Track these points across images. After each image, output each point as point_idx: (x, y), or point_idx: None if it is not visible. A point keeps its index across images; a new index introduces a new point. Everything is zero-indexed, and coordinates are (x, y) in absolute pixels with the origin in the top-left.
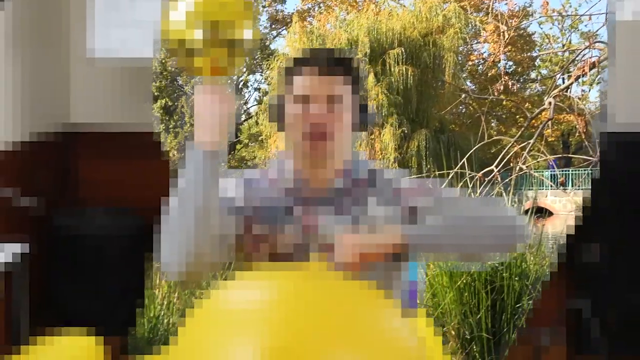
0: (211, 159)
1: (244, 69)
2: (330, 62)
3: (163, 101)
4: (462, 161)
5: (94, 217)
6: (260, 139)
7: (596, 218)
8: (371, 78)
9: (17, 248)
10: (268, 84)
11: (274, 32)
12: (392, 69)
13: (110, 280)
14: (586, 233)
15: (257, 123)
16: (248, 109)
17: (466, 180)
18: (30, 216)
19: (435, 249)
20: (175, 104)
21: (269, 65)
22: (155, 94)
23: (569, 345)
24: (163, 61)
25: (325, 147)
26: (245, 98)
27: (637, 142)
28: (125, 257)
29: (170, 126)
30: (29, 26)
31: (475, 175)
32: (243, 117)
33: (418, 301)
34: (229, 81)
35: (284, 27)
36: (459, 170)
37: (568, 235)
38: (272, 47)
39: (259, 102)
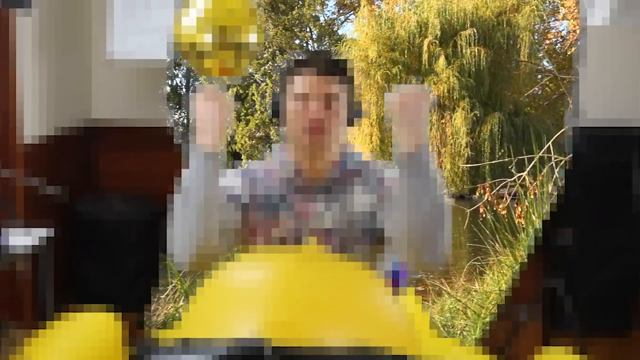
0: (212, 159)
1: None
2: (327, 63)
3: (234, 90)
4: (548, 144)
5: (113, 204)
6: None
7: (569, 205)
8: (442, 61)
9: (42, 232)
10: None
11: (342, 18)
12: (464, 51)
13: (128, 261)
14: (560, 219)
15: None
16: None
17: (552, 165)
18: (55, 203)
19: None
20: (246, 92)
21: (337, 51)
22: (227, 83)
23: (545, 321)
24: None
25: (323, 140)
26: None
27: (606, 136)
28: (141, 239)
29: (242, 114)
30: (54, 31)
31: (562, 159)
32: None
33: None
34: (229, 86)
35: (352, 12)
36: (545, 155)
37: (544, 221)
38: (340, 32)
39: None
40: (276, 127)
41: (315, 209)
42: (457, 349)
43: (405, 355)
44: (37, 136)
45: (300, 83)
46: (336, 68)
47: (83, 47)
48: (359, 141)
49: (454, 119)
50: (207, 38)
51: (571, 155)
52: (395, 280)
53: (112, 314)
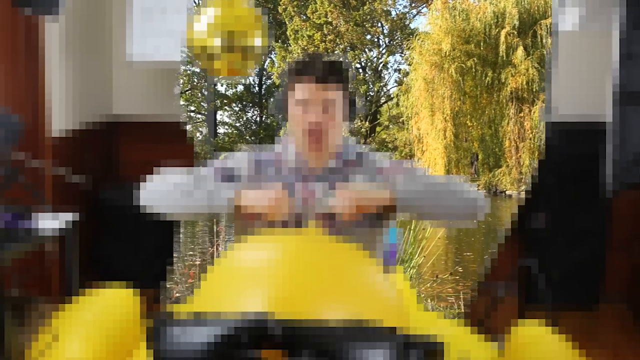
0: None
1: (383, 50)
2: (325, 70)
3: None
4: None
5: (133, 191)
6: (400, 120)
7: (542, 192)
8: (520, 52)
9: (69, 217)
10: (409, 64)
11: (414, 11)
12: (544, 41)
13: (145, 243)
14: (533, 204)
15: (397, 105)
16: (388, 90)
17: None
18: (80, 190)
19: (414, 209)
20: None
21: (409, 45)
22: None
23: (520, 296)
24: (305, 47)
25: (321, 142)
26: (385, 80)
27: (575, 130)
28: (157, 224)
29: None
30: (79, 35)
31: None
32: (383, 100)
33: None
34: None
35: (425, 5)
36: None
37: (519, 206)
38: (412, 26)
39: (399, 83)
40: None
41: (317, 195)
42: (441, 322)
43: (395, 327)
44: (63, 130)
45: (300, 90)
46: (333, 73)
47: (105, 49)
48: (432, 136)
49: (533, 113)
50: (217, 42)
51: (544, 146)
52: (387, 259)
53: (131, 290)
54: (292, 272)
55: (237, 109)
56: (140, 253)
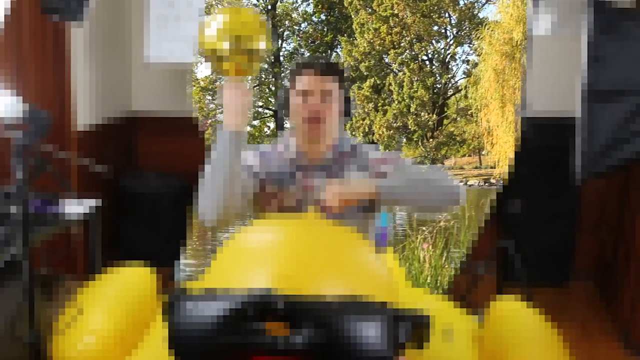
0: (236, 137)
1: (451, 41)
2: (324, 66)
3: (372, 80)
4: None
5: (149, 179)
6: (469, 112)
7: (517, 180)
8: None
9: (92, 202)
10: (478, 55)
11: (483, 0)
12: None
13: (162, 226)
14: (510, 191)
15: (465, 97)
16: (456, 82)
17: None
18: (102, 179)
19: (397, 201)
20: (383, 82)
21: (478, 35)
22: (365, 73)
23: (498, 274)
24: (371, 41)
25: (319, 128)
26: (453, 71)
27: (547, 125)
28: (172, 208)
29: (379, 104)
30: (101, 39)
31: None
32: (450, 92)
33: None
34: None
35: None
36: None
37: (497, 193)
38: (481, 15)
39: (468, 74)
40: (414, 116)
41: (317, 184)
42: (427, 297)
43: (386, 302)
44: (87, 124)
45: (301, 82)
46: (331, 69)
47: (124, 52)
48: (502, 129)
49: None
50: (225, 45)
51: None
52: (378, 241)
53: (149, 268)
54: (293, 252)
55: None
56: (156, 235)
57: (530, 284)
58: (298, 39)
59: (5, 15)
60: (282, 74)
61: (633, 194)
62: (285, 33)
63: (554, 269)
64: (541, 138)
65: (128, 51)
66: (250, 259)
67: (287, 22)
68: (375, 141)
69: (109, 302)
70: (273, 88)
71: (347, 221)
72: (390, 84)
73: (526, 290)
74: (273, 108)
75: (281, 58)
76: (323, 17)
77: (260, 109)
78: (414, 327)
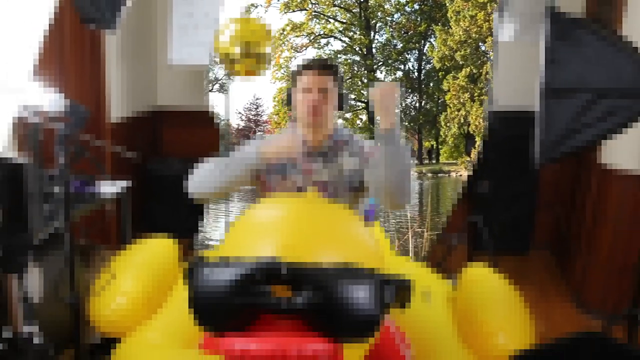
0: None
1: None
2: (322, 67)
3: (468, 69)
4: None
5: (172, 164)
6: None
7: (485, 165)
8: None
9: (123, 184)
10: None
11: None
12: None
13: (182, 204)
14: (479, 174)
15: None
16: None
17: None
18: (132, 164)
19: (376, 171)
20: (480, 71)
21: None
22: (460, 62)
23: (469, 245)
24: (467, 29)
25: (319, 119)
26: None
27: (510, 117)
28: None
29: (475, 94)
30: (131, 44)
31: None
32: None
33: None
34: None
35: None
36: None
37: (468, 176)
38: None
39: None
40: None
41: (315, 168)
42: (408, 264)
43: (374, 269)
44: (119, 117)
45: (304, 80)
46: (328, 68)
47: (151, 55)
48: None
49: None
50: (237, 50)
51: (487, 129)
52: (367, 217)
53: (171, 239)
54: (295, 226)
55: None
56: (178, 211)
57: (496, 253)
58: (391, 30)
59: (49, 24)
60: (375, 67)
61: (583, 176)
62: (378, 25)
63: (516, 240)
64: (505, 129)
65: (154, 55)
66: (258, 232)
67: (379, 14)
68: (472, 132)
69: (138, 269)
70: (365, 80)
71: (341, 200)
72: (487, 73)
73: (493, 259)
74: (365, 100)
75: (374, 50)
76: (417, 6)
77: (352, 102)
78: (397, 290)
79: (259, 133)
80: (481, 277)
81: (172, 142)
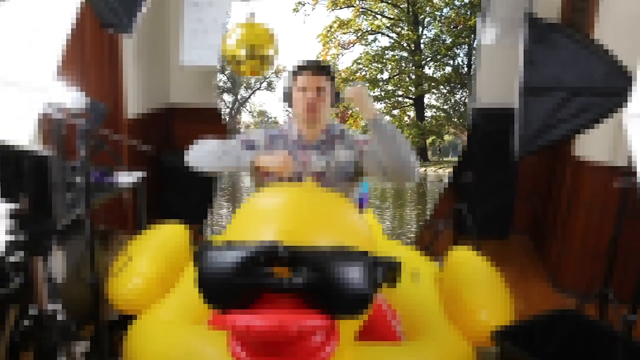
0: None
1: None
2: (317, 67)
3: None
4: None
5: (184, 156)
6: None
7: (469, 157)
8: None
9: (139, 174)
10: None
11: None
12: None
13: (193, 192)
14: (464, 165)
15: None
16: None
17: None
18: (147, 156)
19: (373, 160)
20: None
21: None
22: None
23: (454, 230)
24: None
25: (315, 116)
26: None
27: (492, 114)
28: (201, 179)
29: None
30: (146, 47)
31: None
32: None
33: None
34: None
35: None
36: None
37: (453, 167)
38: None
39: None
40: None
41: (312, 159)
42: (399, 247)
43: (367, 251)
44: (135, 113)
45: (300, 80)
46: (323, 70)
47: (164, 57)
48: None
49: None
50: (242, 52)
51: (471, 125)
52: (361, 204)
53: (183, 225)
54: (294, 213)
55: (445, 91)
56: (189, 200)
57: (479, 238)
58: (439, 24)
59: (72, 29)
60: (423, 62)
61: (559, 167)
62: (426, 19)
63: (498, 226)
64: (487, 124)
65: (167, 57)
66: (260, 218)
67: (427, 9)
68: None
69: (152, 252)
70: (413, 77)
71: (336, 188)
72: None
73: (476, 243)
74: (413, 97)
75: (422, 45)
76: (466, 0)
77: (400, 99)
78: (388, 270)
79: (271, 121)
80: (465, 259)
81: (183, 136)
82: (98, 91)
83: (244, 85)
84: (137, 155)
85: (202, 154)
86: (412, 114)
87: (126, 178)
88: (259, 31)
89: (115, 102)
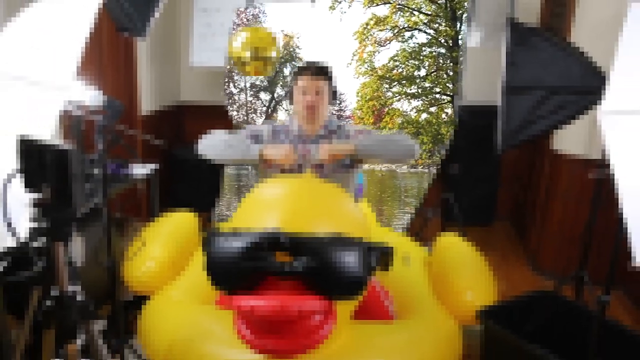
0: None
1: None
2: (317, 69)
3: None
4: None
5: (194, 150)
6: None
7: (456, 150)
8: None
9: (152, 166)
10: None
11: None
12: None
13: (202, 183)
14: (451, 158)
15: None
16: None
17: None
18: (159, 149)
19: (369, 154)
20: None
21: None
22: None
23: (442, 217)
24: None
25: (314, 115)
26: None
27: (477, 110)
28: (210, 171)
29: None
30: (159, 49)
31: None
32: None
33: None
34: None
35: None
36: None
37: (441, 159)
38: None
39: None
40: None
41: (311, 152)
42: (391, 234)
43: (362, 238)
44: (149, 110)
45: (301, 82)
46: (322, 71)
47: (175, 59)
48: None
49: None
50: (247, 54)
51: (457, 121)
52: (356, 194)
53: (192, 213)
54: (295, 202)
55: None
56: (198, 190)
57: (465, 224)
58: None
59: (90, 32)
60: (461, 58)
61: (538, 160)
62: (464, 15)
63: (482, 213)
64: (473, 120)
65: (178, 58)
66: (263, 207)
67: (465, 4)
68: None
69: (164, 238)
70: (451, 73)
71: (333, 179)
72: None
73: (462, 229)
74: (450, 94)
75: (460, 42)
76: None
77: (437, 96)
78: (381, 255)
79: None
80: (452, 244)
81: (193, 132)
82: (114, 90)
83: (281, 83)
84: (151, 148)
85: (212, 144)
86: (449, 111)
87: (140, 170)
88: (263, 35)
89: (130, 100)
